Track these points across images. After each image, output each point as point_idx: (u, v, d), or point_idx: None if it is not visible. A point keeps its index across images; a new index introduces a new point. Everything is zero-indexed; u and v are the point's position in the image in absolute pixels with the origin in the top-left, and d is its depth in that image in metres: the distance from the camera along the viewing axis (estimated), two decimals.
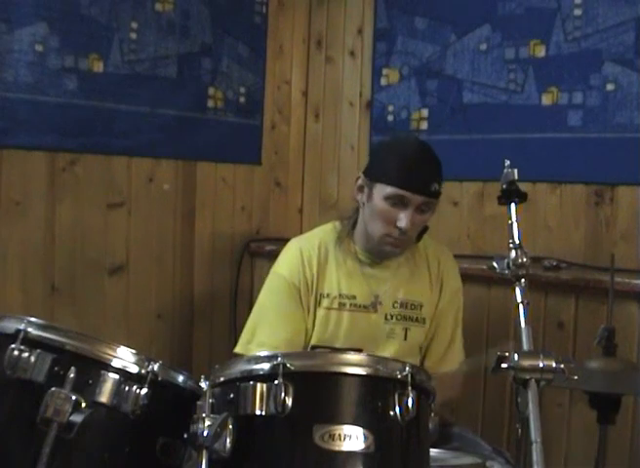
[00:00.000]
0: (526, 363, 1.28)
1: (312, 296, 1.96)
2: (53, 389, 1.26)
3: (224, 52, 2.95)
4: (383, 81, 2.93)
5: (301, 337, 1.95)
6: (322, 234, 2.06)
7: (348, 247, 2.00)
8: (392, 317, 1.98)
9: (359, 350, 1.91)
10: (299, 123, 3.23)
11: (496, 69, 2.61)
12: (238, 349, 1.97)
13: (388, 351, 1.93)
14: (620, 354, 1.90)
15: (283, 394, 1.23)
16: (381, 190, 1.86)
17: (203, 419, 1.22)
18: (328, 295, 1.97)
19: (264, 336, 1.95)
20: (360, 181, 1.95)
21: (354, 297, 1.97)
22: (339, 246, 2.00)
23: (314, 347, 1.97)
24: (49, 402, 1.25)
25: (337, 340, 1.95)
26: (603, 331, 1.89)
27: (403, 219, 1.84)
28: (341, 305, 1.96)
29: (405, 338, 1.98)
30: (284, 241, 2.16)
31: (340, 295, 1.97)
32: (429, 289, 2.02)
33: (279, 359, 1.26)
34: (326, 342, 1.96)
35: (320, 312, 1.97)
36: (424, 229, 1.97)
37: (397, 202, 1.84)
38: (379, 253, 1.97)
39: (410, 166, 1.86)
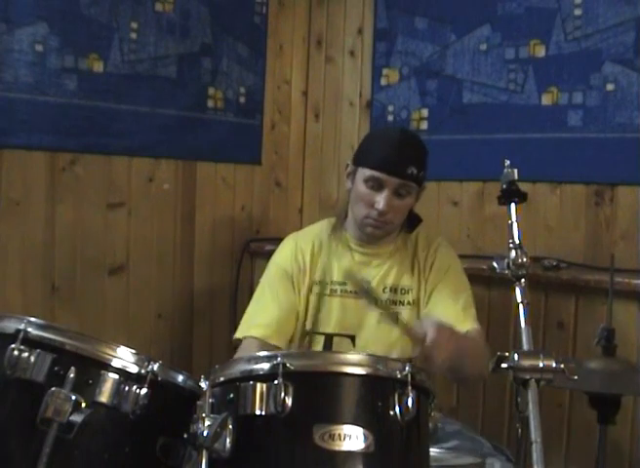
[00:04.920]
0: (526, 363, 1.28)
1: (306, 282, 2.01)
2: (53, 389, 1.26)
3: (224, 52, 2.95)
4: (383, 81, 2.93)
5: (292, 319, 1.99)
6: (318, 228, 2.13)
7: (341, 235, 2.06)
8: (382, 302, 1.99)
9: (352, 336, 1.97)
10: (299, 123, 3.23)
11: (496, 69, 2.61)
12: (237, 334, 2.00)
13: (379, 336, 1.95)
14: (619, 354, 1.90)
15: (283, 394, 1.23)
16: (362, 174, 1.92)
17: (203, 419, 1.22)
18: (319, 282, 2.02)
19: (259, 318, 1.99)
20: (348, 168, 2.01)
21: (344, 284, 2.00)
22: (332, 235, 2.06)
23: (308, 332, 2.00)
24: (49, 402, 1.24)
25: (328, 326, 1.99)
26: (602, 330, 1.89)
27: (380, 202, 1.89)
28: (332, 291, 2.01)
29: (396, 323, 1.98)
30: None
31: (331, 282, 2.01)
32: (417, 275, 2.03)
33: (279, 359, 1.26)
34: (318, 328, 2.00)
35: (312, 298, 2.01)
36: (418, 221, 2.03)
37: (374, 185, 1.90)
38: (365, 237, 2.01)
39: (388, 150, 1.91)
